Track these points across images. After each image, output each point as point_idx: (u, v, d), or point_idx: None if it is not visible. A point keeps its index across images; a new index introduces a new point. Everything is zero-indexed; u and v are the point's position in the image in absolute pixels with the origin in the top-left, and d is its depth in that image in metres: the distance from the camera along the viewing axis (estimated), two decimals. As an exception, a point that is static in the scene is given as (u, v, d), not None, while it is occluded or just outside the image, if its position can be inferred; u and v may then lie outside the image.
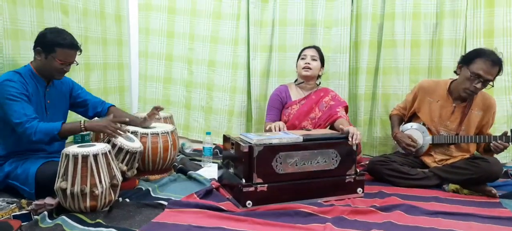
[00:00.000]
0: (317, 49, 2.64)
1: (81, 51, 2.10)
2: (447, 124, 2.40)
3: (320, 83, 2.72)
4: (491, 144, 2.25)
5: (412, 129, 2.49)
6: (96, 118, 2.47)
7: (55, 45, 1.97)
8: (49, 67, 2.02)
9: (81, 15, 2.77)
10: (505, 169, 2.65)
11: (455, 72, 2.36)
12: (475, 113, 2.35)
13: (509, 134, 2.22)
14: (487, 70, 2.16)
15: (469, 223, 1.80)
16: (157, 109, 2.42)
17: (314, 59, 2.57)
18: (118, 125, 2.16)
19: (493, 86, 2.24)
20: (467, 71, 2.22)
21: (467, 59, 2.25)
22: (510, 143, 2.22)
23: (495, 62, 2.16)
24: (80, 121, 2.05)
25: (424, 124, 2.46)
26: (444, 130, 2.41)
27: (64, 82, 2.25)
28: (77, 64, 2.14)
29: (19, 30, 2.26)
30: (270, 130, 2.33)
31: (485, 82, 2.20)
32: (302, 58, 2.59)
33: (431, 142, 2.42)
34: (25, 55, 2.25)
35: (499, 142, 2.23)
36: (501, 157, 2.79)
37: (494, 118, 2.41)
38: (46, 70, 2.05)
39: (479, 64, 2.17)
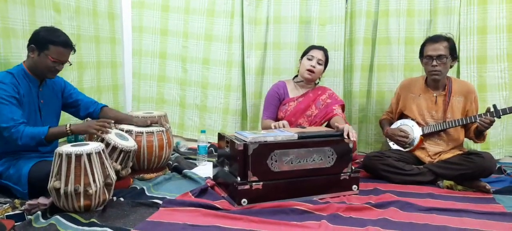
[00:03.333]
0: (325, 52, 2.59)
1: (75, 50, 2.08)
2: (433, 113, 2.47)
3: (318, 82, 2.71)
4: (477, 121, 2.29)
5: (402, 125, 2.54)
6: (88, 119, 2.46)
7: (49, 42, 1.96)
8: (41, 65, 2.00)
9: (73, 13, 2.75)
10: (498, 165, 2.67)
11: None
12: (457, 100, 2.43)
13: (492, 109, 2.27)
14: (433, 48, 2.36)
15: (463, 219, 1.81)
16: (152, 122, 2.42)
17: (320, 64, 2.54)
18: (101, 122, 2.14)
19: (452, 59, 2.39)
20: (422, 59, 2.45)
21: (420, 53, 2.49)
22: (495, 117, 2.26)
23: (436, 39, 2.39)
24: (66, 124, 2.02)
25: (412, 119, 2.51)
26: (432, 120, 2.47)
27: (56, 82, 2.23)
28: (70, 64, 2.12)
29: (10, 28, 2.23)
30: (269, 127, 2.31)
31: (440, 58, 2.35)
32: (309, 59, 2.54)
33: (421, 133, 2.45)
34: (17, 54, 2.23)
35: (483, 117, 2.26)
36: (495, 153, 2.83)
37: (477, 103, 2.46)
38: (38, 69, 2.02)
39: (426, 48, 2.42)
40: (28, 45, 2.01)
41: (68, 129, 2.01)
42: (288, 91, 2.63)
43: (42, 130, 1.94)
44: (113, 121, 2.21)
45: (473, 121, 2.33)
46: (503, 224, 1.77)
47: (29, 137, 1.91)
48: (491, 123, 2.25)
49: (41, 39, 1.96)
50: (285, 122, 2.36)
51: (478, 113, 2.38)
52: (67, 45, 2.02)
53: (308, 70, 2.53)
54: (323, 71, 2.62)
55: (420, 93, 2.51)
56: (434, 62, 2.35)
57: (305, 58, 2.57)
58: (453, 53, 2.38)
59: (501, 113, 2.26)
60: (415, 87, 2.54)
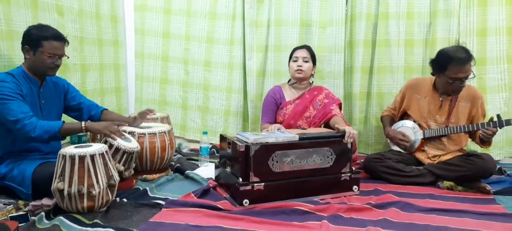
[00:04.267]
0: (308, 49, 2.63)
1: (68, 43, 2.10)
2: (437, 117, 2.44)
3: (313, 82, 2.73)
4: (480, 130, 2.28)
5: (403, 127, 2.53)
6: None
7: (40, 38, 1.98)
8: (39, 63, 2.02)
9: (76, 15, 2.77)
10: (498, 166, 2.68)
11: (432, 73, 2.43)
12: (463, 105, 2.40)
13: (495, 119, 2.25)
14: (464, 70, 2.21)
15: (463, 220, 1.82)
16: (149, 111, 2.44)
17: (305, 61, 2.57)
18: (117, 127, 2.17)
19: (474, 76, 2.30)
20: (445, 77, 2.28)
21: (440, 67, 2.30)
22: (498, 128, 2.24)
23: (466, 60, 2.20)
24: (82, 122, 2.05)
25: (414, 121, 2.50)
26: (434, 124, 2.45)
27: (59, 84, 2.25)
28: (68, 57, 2.13)
29: (14, 31, 2.25)
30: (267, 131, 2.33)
31: (467, 78, 2.26)
32: (294, 60, 2.59)
33: (422, 137, 2.45)
34: (21, 56, 2.23)
35: (486, 128, 2.26)
36: (495, 154, 2.84)
37: (484, 108, 2.44)
38: (37, 68, 2.04)
39: (453, 69, 2.22)
40: (22, 47, 2.02)
41: (83, 126, 2.02)
42: (284, 95, 2.66)
43: (57, 124, 1.97)
44: (127, 131, 2.24)
45: (475, 129, 2.32)
46: (504, 225, 1.77)
47: (43, 129, 1.92)
48: (493, 134, 2.25)
49: (32, 37, 1.98)
50: (278, 125, 2.39)
51: (482, 122, 2.35)
52: (58, 38, 2.03)
53: (297, 70, 2.57)
54: (313, 68, 2.64)
55: (426, 96, 2.47)
56: (463, 84, 2.26)
57: (291, 61, 2.62)
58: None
59: (504, 124, 2.23)
60: (422, 89, 2.50)
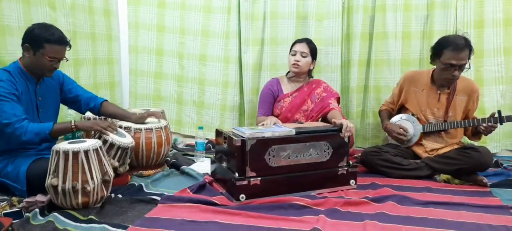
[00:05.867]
0: (308, 43, 2.59)
1: (70, 46, 2.05)
2: (435, 111, 2.43)
3: (312, 76, 2.71)
4: (481, 127, 2.27)
5: (402, 120, 2.52)
6: (88, 113, 2.45)
7: (44, 41, 1.92)
8: (38, 64, 1.97)
9: (69, 10, 2.73)
10: (495, 159, 2.69)
11: (430, 62, 2.42)
12: (460, 99, 2.39)
13: (496, 115, 2.25)
14: (457, 57, 2.21)
15: (460, 212, 1.82)
16: (154, 115, 2.44)
17: (304, 56, 2.54)
18: (109, 121, 2.14)
19: (470, 67, 2.28)
20: (440, 64, 2.29)
21: (436, 52, 2.32)
22: (499, 124, 2.24)
23: (461, 47, 2.21)
24: (71, 121, 2.02)
25: (413, 114, 2.49)
26: (432, 117, 2.44)
27: (54, 76, 2.20)
28: (67, 60, 2.10)
29: (5, 25, 2.22)
30: (263, 125, 2.32)
31: (461, 67, 2.24)
32: (292, 54, 2.57)
33: (422, 131, 2.44)
34: (12, 52, 2.21)
35: (487, 124, 2.25)
36: (492, 147, 2.84)
37: (478, 102, 2.44)
38: (35, 68, 2.00)
39: (447, 54, 2.24)
40: (22, 44, 1.97)
41: (73, 125, 1.99)
42: (282, 88, 2.64)
43: (47, 126, 1.93)
44: (119, 126, 2.20)
45: (476, 124, 2.31)
46: (500, 217, 1.78)
47: (33, 132, 1.89)
48: (494, 129, 2.25)
49: (36, 38, 1.92)
50: (274, 119, 2.36)
51: (481, 117, 2.32)
52: (62, 42, 1.99)
53: (293, 64, 2.55)
54: (312, 62, 2.61)
55: (424, 89, 2.46)
56: (456, 73, 2.24)
57: (289, 54, 2.60)
58: (469, 58, 2.26)
59: (505, 120, 2.22)
60: (419, 82, 2.48)
